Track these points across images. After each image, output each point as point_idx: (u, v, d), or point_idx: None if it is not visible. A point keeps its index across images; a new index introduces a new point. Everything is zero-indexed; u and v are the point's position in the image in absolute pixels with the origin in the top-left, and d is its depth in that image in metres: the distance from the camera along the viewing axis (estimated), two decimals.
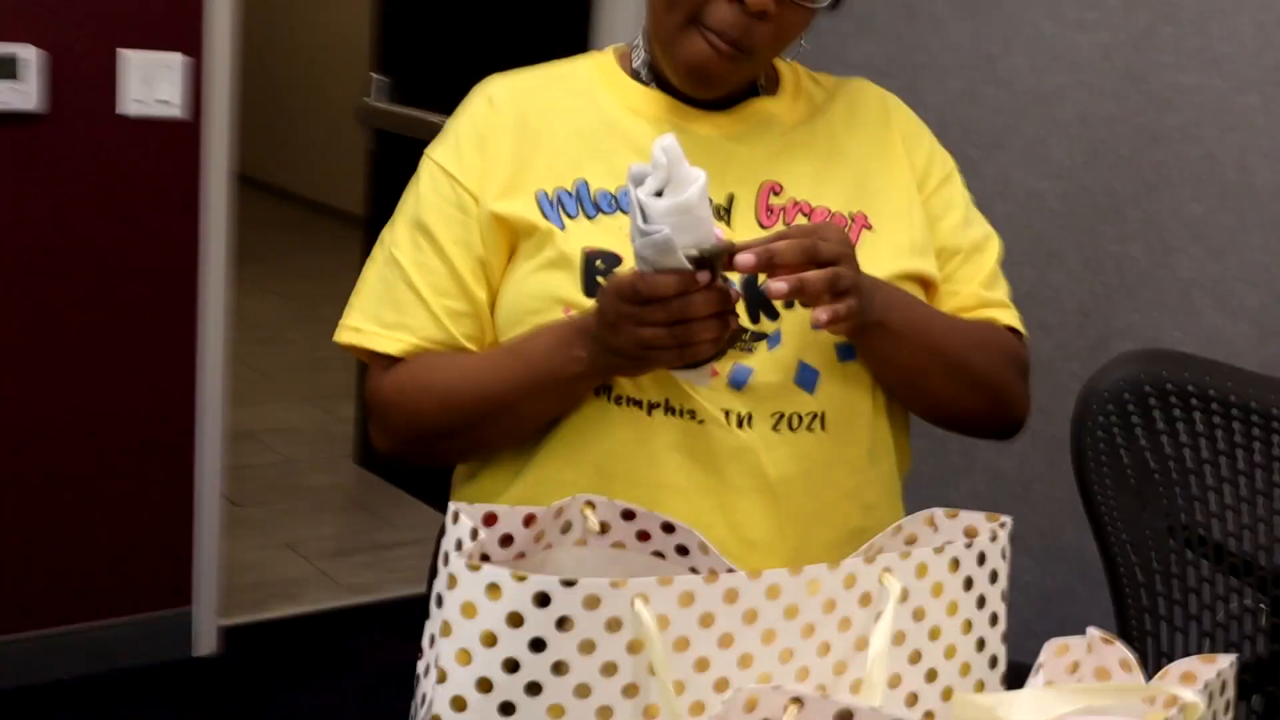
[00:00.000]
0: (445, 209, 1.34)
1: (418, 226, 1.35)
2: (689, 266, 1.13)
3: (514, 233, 1.31)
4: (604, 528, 1.12)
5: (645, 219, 1.13)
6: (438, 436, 1.33)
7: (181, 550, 3.06)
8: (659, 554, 1.14)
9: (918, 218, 1.37)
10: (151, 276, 2.92)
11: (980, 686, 1.09)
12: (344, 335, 1.37)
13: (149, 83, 2.82)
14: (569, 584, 0.95)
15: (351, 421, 4.45)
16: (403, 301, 1.34)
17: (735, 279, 1.23)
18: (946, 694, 1.07)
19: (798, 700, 0.86)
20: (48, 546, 2.91)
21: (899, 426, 1.37)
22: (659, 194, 1.13)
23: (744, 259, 1.14)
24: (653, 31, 1.32)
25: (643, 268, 1.15)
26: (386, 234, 1.39)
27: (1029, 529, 2.59)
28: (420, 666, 1.05)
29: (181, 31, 2.84)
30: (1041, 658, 1.00)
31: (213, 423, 3.05)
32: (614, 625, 0.96)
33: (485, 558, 1.05)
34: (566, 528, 1.11)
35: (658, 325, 1.15)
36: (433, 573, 1.43)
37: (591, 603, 0.95)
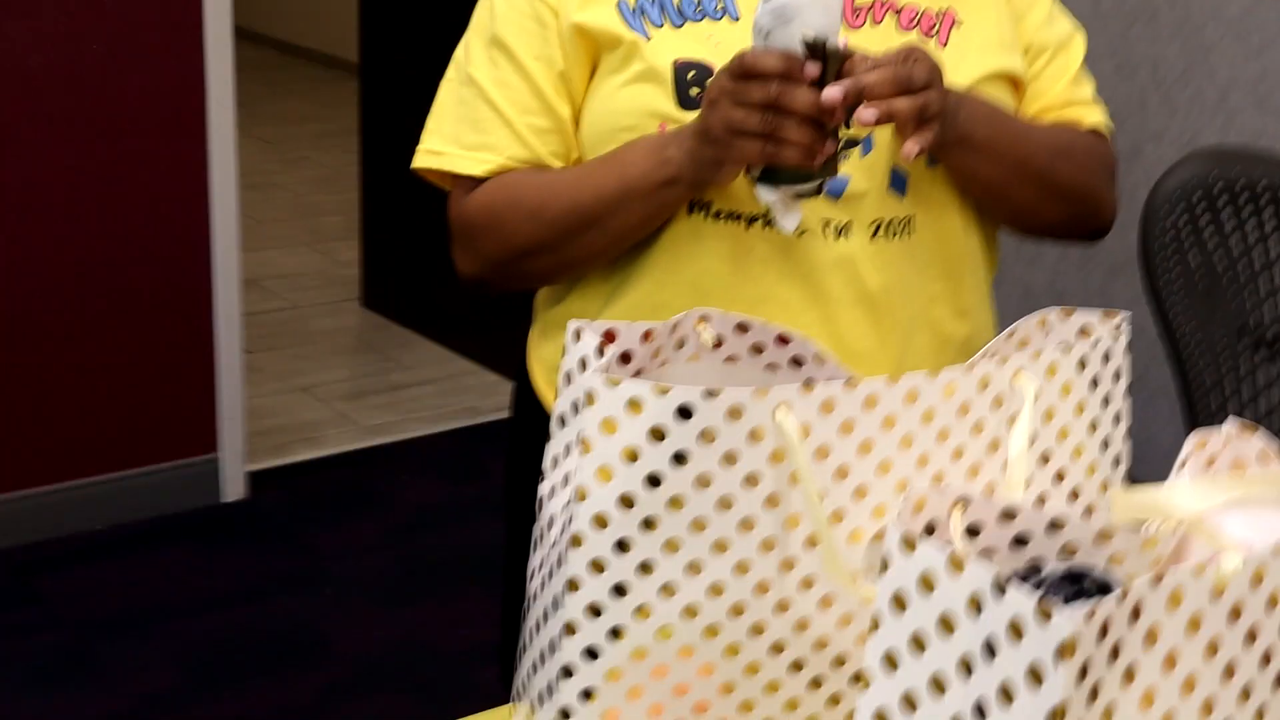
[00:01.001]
0: (523, 22, 1.29)
1: (494, 43, 1.31)
2: (802, 50, 1.10)
3: (596, 45, 1.27)
4: (718, 342, 1.10)
5: None
6: (528, 254, 1.30)
7: (204, 398, 3.05)
8: (772, 366, 1.12)
9: (1004, 14, 1.34)
10: (159, 120, 2.86)
11: (1105, 486, 1.09)
12: (422, 160, 1.34)
13: None
14: (711, 395, 0.93)
15: (354, 264, 4.40)
16: (484, 121, 1.30)
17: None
18: (1073, 494, 1.07)
19: (963, 501, 0.85)
20: (74, 400, 2.89)
21: (987, 231, 1.35)
22: None
23: (831, 93, 1.11)
24: None
25: (756, 43, 1.12)
26: (460, 53, 1.34)
27: None
28: (544, 488, 1.04)
29: None
30: (1184, 452, 0.99)
31: (228, 270, 3.01)
32: (756, 435, 0.94)
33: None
34: (680, 343, 1.10)
35: (753, 107, 1.12)
36: (519, 394, 1.42)
37: (734, 413, 0.94)
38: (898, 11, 1.29)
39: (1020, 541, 0.86)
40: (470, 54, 1.33)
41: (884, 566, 0.77)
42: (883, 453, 0.98)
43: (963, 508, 0.85)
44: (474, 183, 1.31)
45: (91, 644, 2.59)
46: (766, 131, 1.12)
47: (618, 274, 1.30)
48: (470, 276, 1.35)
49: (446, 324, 4.01)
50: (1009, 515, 0.86)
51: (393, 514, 3.13)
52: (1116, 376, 1.07)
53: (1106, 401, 1.07)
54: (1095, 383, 1.06)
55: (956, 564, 0.72)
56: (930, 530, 0.85)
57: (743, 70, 1.12)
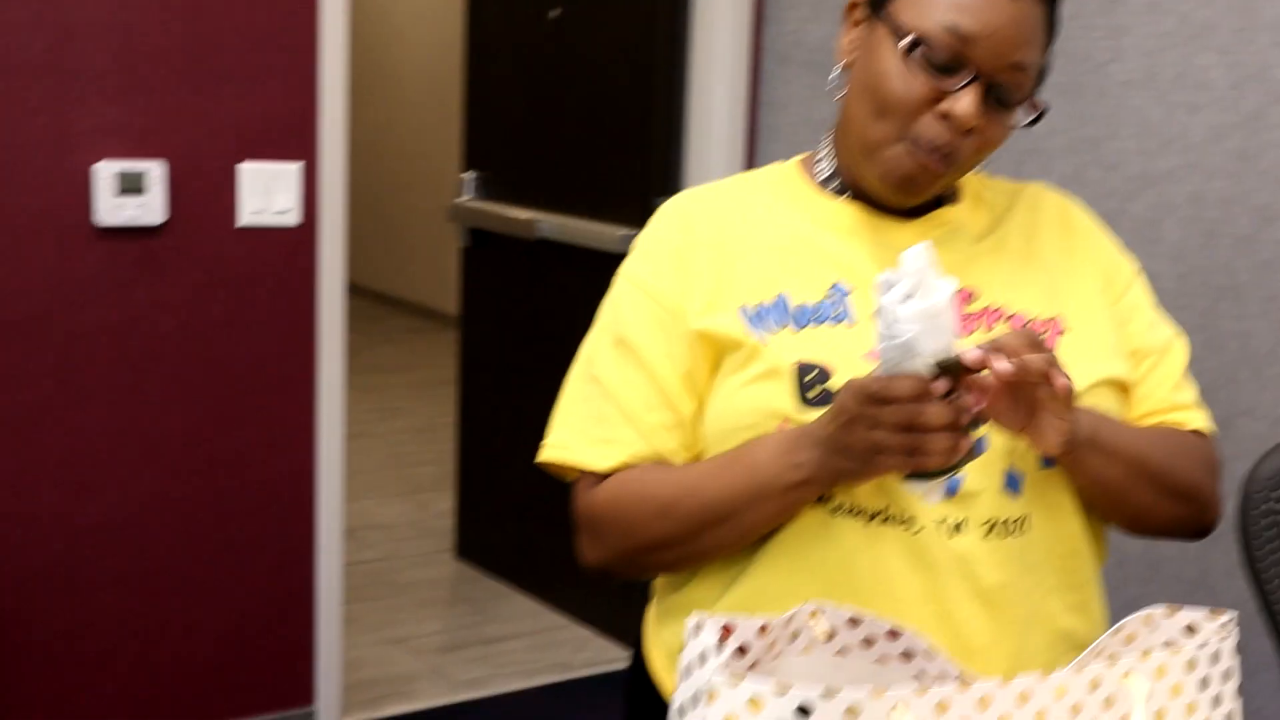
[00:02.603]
0: (648, 326, 1.37)
1: (619, 343, 1.38)
2: (928, 374, 1.16)
3: (718, 348, 1.34)
4: (830, 634, 1.14)
5: (892, 323, 1.16)
6: (655, 548, 1.35)
7: (303, 650, 3.09)
8: (883, 659, 1.16)
9: (1109, 321, 1.39)
10: (269, 377, 2.97)
11: None
12: (550, 453, 1.40)
13: (267, 193, 2.89)
14: (829, 695, 0.97)
15: (447, 515, 4.47)
16: (608, 417, 1.37)
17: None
18: None
19: None
20: (177, 650, 2.95)
21: (1096, 528, 1.39)
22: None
23: (973, 354, 1.16)
24: (855, 142, 1.35)
25: (883, 372, 1.18)
26: (586, 350, 1.42)
27: None
28: None
29: (296, 140, 2.92)
30: None
31: (332, 521, 3.08)
32: None
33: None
34: (794, 636, 1.14)
35: (891, 429, 1.17)
36: (635, 675, 1.45)
37: (852, 713, 0.97)
38: (1008, 319, 1.35)
39: None
40: (596, 353, 1.41)
41: None
42: None
43: None
44: (599, 477, 1.38)
45: None
46: (907, 449, 1.18)
47: (738, 563, 1.34)
48: (596, 565, 1.40)
49: (539, 577, 4.05)
50: None
51: None
52: (1226, 676, 1.10)
53: (1218, 701, 1.09)
54: (1205, 683, 1.08)
55: None
56: None
57: (878, 398, 1.17)
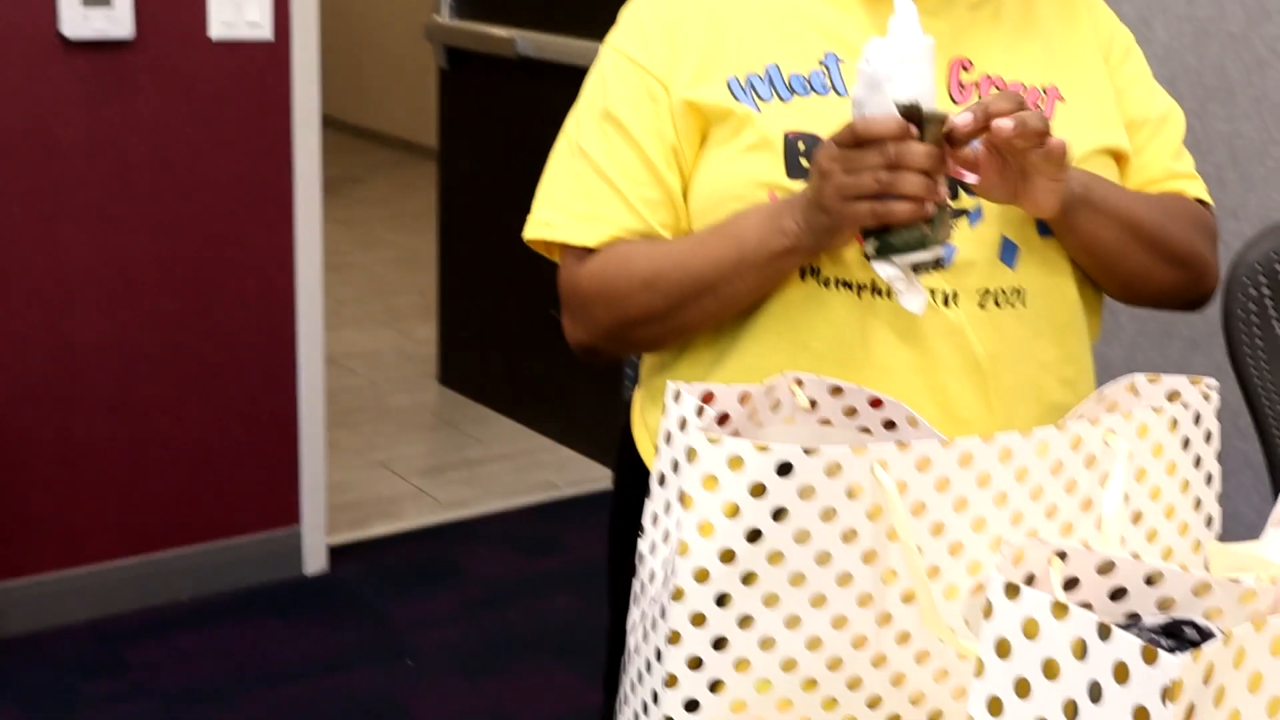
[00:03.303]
0: (634, 98, 1.34)
1: (606, 117, 1.35)
2: (897, 114, 1.14)
3: (706, 119, 1.31)
4: (812, 404, 1.13)
5: (866, 61, 1.14)
6: (641, 321, 1.33)
7: (287, 473, 3.10)
8: (865, 429, 1.15)
9: (1107, 90, 1.37)
10: (245, 199, 2.93)
11: (1197, 546, 1.10)
12: (535, 230, 1.38)
13: (237, 4, 2.82)
14: (811, 452, 0.96)
15: (430, 342, 4.47)
16: (595, 192, 1.35)
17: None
18: (1166, 553, 1.08)
19: (1061, 554, 0.87)
20: (160, 473, 2.95)
21: (1092, 301, 1.37)
22: None
23: (962, 119, 1.14)
24: None
25: (854, 115, 1.16)
26: (570, 126, 1.39)
27: None
28: (644, 545, 1.06)
29: None
30: (1277, 508, 1.00)
31: (312, 345, 3.07)
32: (854, 492, 0.97)
33: None
34: (775, 405, 1.13)
35: (869, 170, 1.14)
36: (623, 459, 1.45)
37: (833, 470, 0.96)
38: (1002, 88, 1.32)
39: (1118, 594, 0.88)
40: (581, 127, 1.37)
41: (986, 616, 0.79)
42: (977, 510, 1.00)
43: (1061, 560, 0.87)
44: (585, 253, 1.36)
45: (177, 713, 2.62)
46: (880, 192, 1.15)
47: (724, 339, 1.33)
48: (580, 344, 1.39)
49: (522, 400, 4.05)
50: (1107, 568, 0.88)
51: (470, 587, 3.15)
52: (1208, 438, 1.09)
53: (1198, 462, 1.09)
54: (1187, 443, 1.08)
55: (1060, 610, 0.74)
56: (1029, 582, 0.87)
57: (855, 138, 1.15)
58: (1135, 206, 1.32)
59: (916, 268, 1.18)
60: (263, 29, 2.86)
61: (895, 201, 1.15)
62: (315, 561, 3.16)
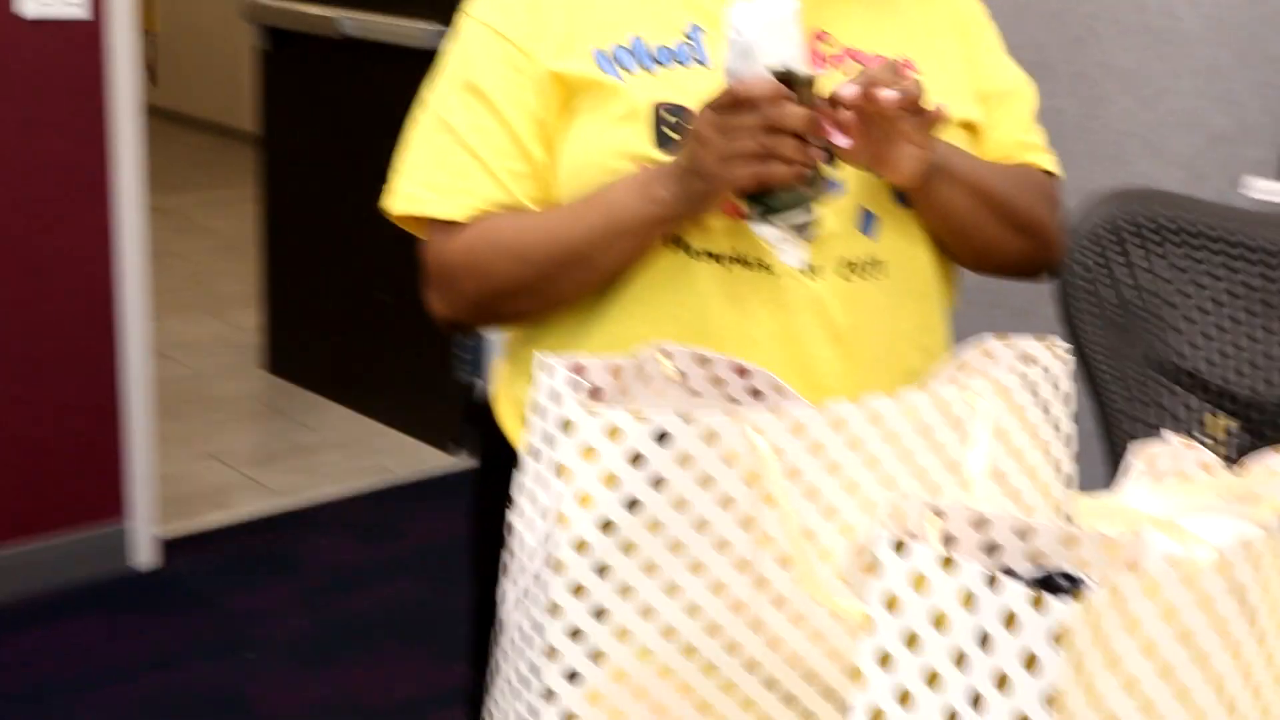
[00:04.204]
0: (497, 68, 1.32)
1: (468, 88, 1.33)
2: (772, 78, 1.15)
3: (571, 91, 1.31)
4: (680, 375, 1.14)
5: (733, 33, 1.15)
6: (511, 294, 1.32)
7: (110, 464, 3.01)
8: (732, 398, 1.16)
9: (960, 63, 1.40)
10: (62, 185, 2.84)
11: (1058, 507, 1.13)
12: (399, 204, 1.35)
13: None
14: (688, 420, 0.96)
15: (254, 329, 4.38)
16: (460, 165, 1.33)
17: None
18: (1029, 514, 1.11)
19: (938, 511, 0.89)
20: None
21: (948, 270, 1.41)
22: None
23: (847, 89, 1.16)
24: None
25: (732, 81, 1.17)
26: (432, 98, 1.37)
27: None
28: (515, 517, 1.06)
29: None
30: (1131, 462, 1.04)
31: (137, 333, 2.99)
32: (731, 458, 0.98)
33: None
34: (644, 377, 1.13)
35: (747, 133, 1.15)
36: (485, 434, 1.44)
37: (710, 437, 0.97)
38: (862, 61, 1.34)
39: (991, 549, 0.90)
40: (443, 99, 1.35)
41: (873, 573, 0.81)
42: (850, 473, 1.02)
43: (938, 517, 0.89)
44: (451, 226, 1.34)
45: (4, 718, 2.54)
46: (760, 154, 1.16)
47: (589, 311, 1.32)
48: (448, 319, 1.37)
49: (352, 386, 4.00)
50: (980, 523, 0.90)
51: (308, 576, 3.11)
52: (1066, 401, 1.12)
53: (1057, 426, 1.12)
54: (1046, 407, 1.11)
55: (948, 563, 0.76)
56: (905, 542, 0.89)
57: (733, 101, 1.16)
58: (989, 177, 1.35)
59: (798, 228, 1.20)
60: (78, 7, 2.76)
61: (775, 163, 1.17)
62: (146, 555, 3.08)
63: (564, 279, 1.30)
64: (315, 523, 3.36)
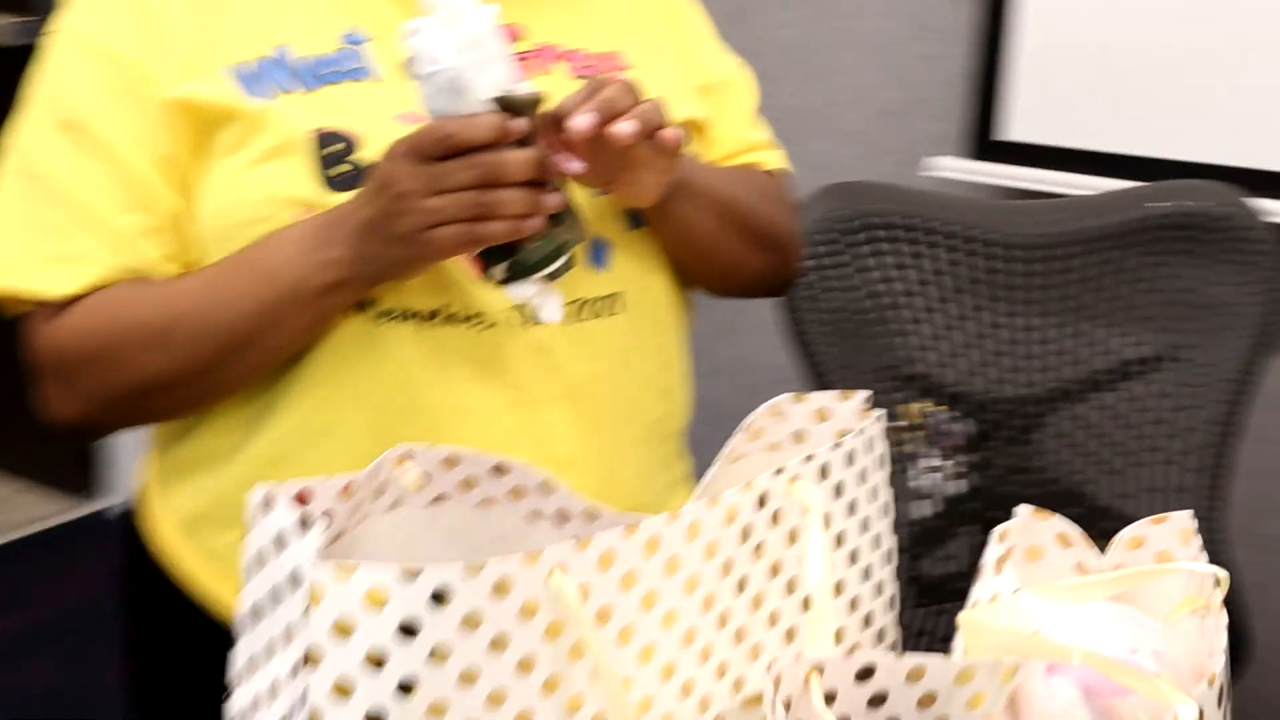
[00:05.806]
0: (105, 98, 1.03)
1: (68, 126, 1.03)
2: (493, 110, 0.93)
3: (204, 121, 1.03)
4: (422, 482, 0.91)
5: (430, 64, 0.92)
6: (154, 389, 1.04)
7: None
8: (487, 502, 0.94)
9: (673, 55, 1.21)
10: None
11: (879, 589, 0.97)
12: None
13: None
14: (474, 571, 0.74)
15: None
16: (63, 226, 1.03)
17: None
18: (878, 589, 0.95)
19: (819, 668, 0.71)
20: None
21: (685, 297, 1.22)
22: None
23: (584, 121, 0.94)
24: None
25: (435, 118, 0.94)
26: (19, 142, 1.06)
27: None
28: (241, 699, 0.81)
29: None
30: (990, 550, 0.89)
31: None
32: (529, 610, 0.76)
33: None
34: (380, 491, 0.89)
35: (458, 189, 0.92)
36: (136, 565, 1.15)
37: (501, 589, 0.75)
38: (562, 56, 1.13)
39: (877, 700, 0.73)
40: (35, 141, 1.05)
41: None
42: (668, 602, 0.82)
43: (819, 674, 0.71)
44: (61, 305, 1.05)
45: None
46: (478, 215, 0.94)
47: (262, 396, 1.06)
48: (71, 420, 1.07)
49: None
50: (865, 673, 0.72)
51: None
52: (880, 464, 0.96)
53: (874, 494, 0.96)
54: (864, 476, 0.94)
55: None
56: (788, 706, 0.70)
57: (445, 148, 0.93)
58: (730, 189, 1.17)
59: (552, 275, 0.98)
60: None
61: (494, 223, 0.94)
62: None
63: (223, 367, 1.03)
64: None
